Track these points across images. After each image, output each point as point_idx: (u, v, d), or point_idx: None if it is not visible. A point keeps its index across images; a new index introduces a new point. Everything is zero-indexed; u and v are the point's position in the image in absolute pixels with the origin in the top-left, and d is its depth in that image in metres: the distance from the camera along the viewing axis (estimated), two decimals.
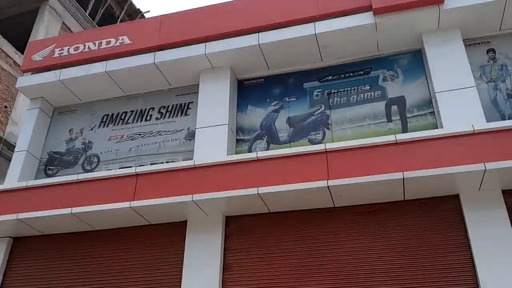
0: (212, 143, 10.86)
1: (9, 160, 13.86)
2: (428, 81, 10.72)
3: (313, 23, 11.30)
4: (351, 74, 11.52)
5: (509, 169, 8.40)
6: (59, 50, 13.21)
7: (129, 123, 12.62)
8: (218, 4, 12.68)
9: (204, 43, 11.92)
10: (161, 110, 12.50)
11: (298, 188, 9.24)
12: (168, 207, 9.88)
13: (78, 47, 13.06)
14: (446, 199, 9.27)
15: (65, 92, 13.06)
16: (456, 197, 9.20)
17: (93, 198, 10.33)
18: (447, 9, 10.45)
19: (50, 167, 12.57)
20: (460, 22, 10.65)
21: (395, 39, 11.19)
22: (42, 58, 13.32)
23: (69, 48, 13.14)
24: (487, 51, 10.77)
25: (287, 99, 11.68)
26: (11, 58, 19.64)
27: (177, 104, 12.46)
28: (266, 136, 11.34)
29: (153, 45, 12.37)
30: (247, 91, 12.15)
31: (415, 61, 11.20)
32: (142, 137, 12.23)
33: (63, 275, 10.64)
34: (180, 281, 9.68)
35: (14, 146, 14.08)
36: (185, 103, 12.38)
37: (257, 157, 9.86)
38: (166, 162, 11.36)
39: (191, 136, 11.68)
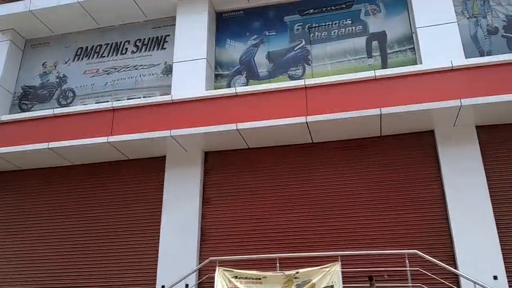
0: (190, 78, 10.67)
1: None
2: (410, 16, 10.54)
3: None
4: (332, 7, 11.24)
5: (484, 106, 8.52)
6: None
7: (104, 56, 12.26)
8: None
9: None
10: (137, 43, 12.12)
11: (276, 124, 9.27)
12: (146, 142, 9.86)
13: None
14: (422, 135, 9.44)
15: (37, 24, 12.51)
16: (432, 133, 9.38)
17: (70, 133, 10.22)
18: None
19: (25, 102, 12.28)
20: None
21: None
22: None
23: None
24: None
25: (267, 33, 11.41)
26: None
27: (153, 37, 12.09)
28: (246, 72, 11.17)
29: None
30: (226, 24, 11.80)
31: None
32: (118, 71, 11.93)
33: (42, 210, 10.73)
34: (161, 215, 9.86)
35: None
36: (162, 36, 12.01)
37: (236, 92, 9.76)
38: (143, 97, 11.18)
39: (168, 70, 11.43)
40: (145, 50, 11.97)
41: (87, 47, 12.54)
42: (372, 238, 8.80)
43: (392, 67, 9.88)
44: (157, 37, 12.04)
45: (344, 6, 11.20)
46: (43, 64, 12.66)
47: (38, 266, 10.19)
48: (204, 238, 9.55)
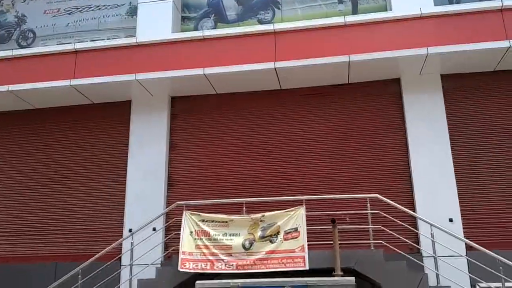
0: (155, 20, 10.30)
1: None
2: None
3: None
4: None
5: (450, 54, 8.62)
6: None
7: None
8: None
9: None
10: None
11: (245, 70, 9.16)
12: (110, 86, 9.61)
13: None
14: (388, 83, 9.55)
15: None
16: (398, 81, 9.48)
17: (32, 76, 9.85)
18: None
19: None
20: None
21: None
22: None
23: None
24: None
25: None
26: None
27: None
28: (214, 14, 10.87)
29: None
30: None
31: None
32: (80, 11, 11.40)
33: (4, 155, 10.48)
34: (127, 160, 9.80)
35: None
36: None
37: (203, 36, 9.52)
38: (107, 39, 10.77)
39: (133, 11, 10.99)
40: None
41: None
42: (335, 183, 9.05)
43: (362, 13, 9.79)
44: None
45: None
46: None
47: (1, 213, 10.08)
48: (171, 182, 9.61)
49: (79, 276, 7.70)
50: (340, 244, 7.10)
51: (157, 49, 9.56)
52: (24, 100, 10.20)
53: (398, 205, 7.61)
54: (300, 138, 9.53)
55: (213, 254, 7.34)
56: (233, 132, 9.80)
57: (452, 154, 8.76)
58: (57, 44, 10.98)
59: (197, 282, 6.70)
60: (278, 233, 7.34)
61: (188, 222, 7.62)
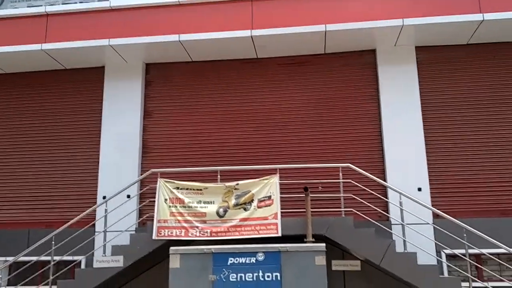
0: None
1: None
2: None
3: None
4: None
5: (425, 26, 8.68)
6: None
7: None
8: None
9: None
10: None
11: (221, 37, 9.06)
12: (83, 51, 9.40)
13: None
14: (364, 54, 9.60)
15: None
16: (373, 52, 9.54)
17: (1, 39, 9.54)
18: None
19: None
20: None
21: None
22: None
23: None
24: None
25: None
26: None
27: None
28: None
29: None
30: None
31: None
32: None
33: None
34: (101, 127, 9.70)
35: None
36: None
37: (179, 1, 9.34)
38: (80, 2, 10.45)
39: None
40: None
41: None
42: (309, 152, 9.18)
43: None
44: None
45: None
46: None
47: None
48: (146, 150, 9.58)
49: (53, 242, 7.71)
50: (312, 211, 7.27)
51: (132, 14, 9.36)
52: None
53: (369, 174, 7.78)
54: (275, 107, 9.57)
55: (187, 221, 7.43)
56: (209, 100, 9.76)
57: (423, 125, 8.95)
58: (27, 7, 10.59)
59: (171, 248, 6.79)
60: (252, 201, 7.47)
61: (163, 190, 7.66)
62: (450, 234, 7.21)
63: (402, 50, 9.32)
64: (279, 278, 6.50)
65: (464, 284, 6.93)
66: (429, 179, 8.72)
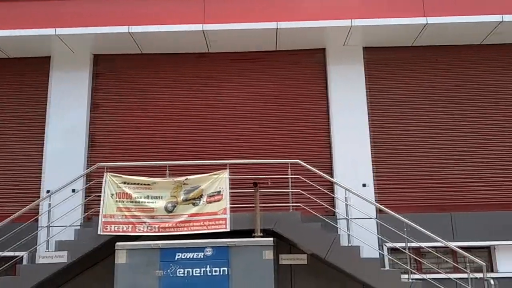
0: None
1: None
2: None
3: None
4: None
5: (372, 27, 8.96)
6: None
7: None
8: None
9: None
10: None
11: (172, 30, 8.97)
12: (29, 40, 9.05)
13: None
14: (314, 52, 9.79)
15: None
16: (323, 51, 9.75)
17: None
18: None
19: None
20: None
21: None
22: None
23: None
24: None
25: None
26: None
27: None
28: None
29: None
30: None
31: None
32: None
33: None
34: (45, 119, 9.38)
35: None
36: None
37: None
38: None
39: None
40: None
41: None
42: (259, 148, 9.28)
43: None
44: None
45: None
46: None
47: None
48: (93, 143, 9.36)
49: None
50: (261, 207, 7.35)
51: (80, 3, 9.10)
52: None
53: (317, 171, 7.95)
54: (226, 103, 9.59)
55: (135, 216, 7.33)
56: (159, 94, 9.65)
57: (369, 123, 9.26)
58: None
59: (117, 243, 6.69)
60: (201, 196, 7.45)
61: (109, 184, 7.51)
62: (392, 228, 7.50)
63: (351, 50, 9.58)
64: (227, 272, 6.56)
65: (403, 276, 7.23)
66: (374, 176, 9.04)
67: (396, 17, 8.91)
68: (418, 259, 8.21)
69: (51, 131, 9.30)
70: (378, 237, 8.08)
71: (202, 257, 6.61)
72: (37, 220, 8.40)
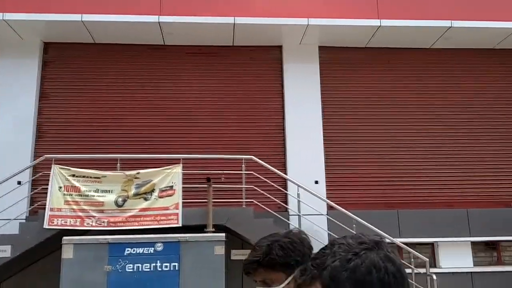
0: None
1: None
2: None
3: None
4: None
5: (328, 27, 9.11)
6: None
7: None
8: None
9: None
10: None
11: (127, 21, 8.77)
12: None
13: None
14: (271, 49, 9.84)
15: None
16: (280, 48, 9.82)
17: None
18: None
19: None
20: None
21: None
22: None
23: None
24: None
25: None
26: None
27: None
28: None
29: None
30: None
31: None
32: None
33: None
34: None
35: None
36: None
37: None
38: None
39: None
40: None
41: None
42: (213, 143, 9.24)
43: None
44: None
45: None
46: None
47: None
48: (40, 134, 9.02)
49: None
50: (214, 202, 7.34)
51: None
52: None
53: (271, 167, 8.03)
54: (181, 96, 9.49)
55: (83, 210, 7.14)
56: (111, 85, 9.43)
57: (322, 121, 9.42)
58: None
59: (64, 238, 6.49)
60: (153, 190, 7.36)
61: (57, 177, 7.28)
62: (341, 224, 7.67)
63: (307, 49, 9.70)
64: (177, 268, 6.50)
65: None
66: (326, 173, 9.21)
67: (351, 18, 9.10)
68: None
69: None
70: (328, 233, 8.24)
71: (152, 252, 6.52)
72: None
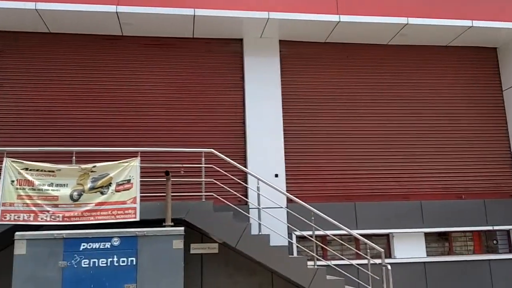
0: None
1: None
2: None
3: None
4: None
5: (288, 21, 9.14)
6: None
7: None
8: None
9: None
10: None
11: (83, 10, 8.52)
12: None
13: None
14: (231, 42, 9.81)
15: None
16: (240, 41, 9.79)
17: None
18: None
19: None
20: None
21: None
22: None
23: None
24: None
25: None
26: None
27: None
28: None
29: None
30: None
31: None
32: None
33: None
34: None
35: None
36: None
37: None
38: None
39: None
40: None
41: None
42: (173, 136, 9.16)
43: None
44: None
45: None
46: None
47: None
48: None
49: None
50: (173, 196, 7.27)
51: None
52: None
53: (231, 160, 8.00)
54: (139, 88, 9.34)
55: (37, 205, 6.90)
56: (67, 76, 9.16)
57: (282, 115, 9.48)
58: None
59: (16, 233, 6.29)
60: (109, 184, 7.19)
61: (9, 171, 7.00)
62: (300, 217, 7.76)
63: (267, 42, 9.72)
64: (134, 262, 6.42)
65: (310, 263, 7.53)
66: (286, 166, 9.29)
67: (311, 13, 9.17)
68: (323, 246, 8.58)
69: None
70: (287, 225, 8.33)
71: (109, 247, 6.42)
72: None
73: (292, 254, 8.60)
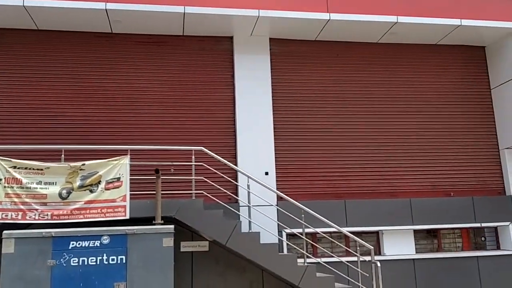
0: None
1: None
2: None
3: None
4: None
5: (278, 19, 9.15)
6: None
7: None
8: None
9: None
10: None
11: (72, 7, 8.45)
12: None
13: None
14: (222, 40, 9.79)
15: None
16: (231, 39, 9.78)
17: None
18: None
19: None
20: None
21: None
22: None
23: None
24: None
25: None
26: None
27: None
28: None
29: None
30: None
31: None
32: None
33: None
34: None
35: None
36: None
37: None
38: None
39: None
40: None
41: None
42: (163, 134, 9.14)
43: None
44: None
45: None
46: None
47: None
48: None
49: None
50: (163, 194, 7.24)
51: None
52: None
53: (221, 158, 7.99)
54: (128, 86, 9.29)
55: (25, 203, 6.83)
56: (55, 73, 9.09)
57: (273, 113, 9.49)
58: None
59: (4, 232, 6.23)
60: (99, 182, 7.15)
61: None
62: (290, 215, 7.78)
63: (258, 40, 9.72)
64: (124, 261, 6.39)
65: (300, 260, 7.56)
66: (276, 164, 9.30)
67: (301, 11, 9.18)
68: (313, 244, 8.61)
69: None
70: (277, 223, 8.34)
71: (98, 245, 6.37)
72: None
73: (282, 252, 8.62)
